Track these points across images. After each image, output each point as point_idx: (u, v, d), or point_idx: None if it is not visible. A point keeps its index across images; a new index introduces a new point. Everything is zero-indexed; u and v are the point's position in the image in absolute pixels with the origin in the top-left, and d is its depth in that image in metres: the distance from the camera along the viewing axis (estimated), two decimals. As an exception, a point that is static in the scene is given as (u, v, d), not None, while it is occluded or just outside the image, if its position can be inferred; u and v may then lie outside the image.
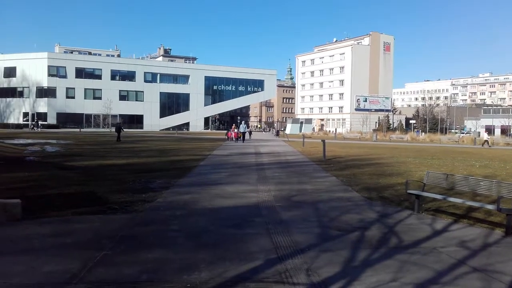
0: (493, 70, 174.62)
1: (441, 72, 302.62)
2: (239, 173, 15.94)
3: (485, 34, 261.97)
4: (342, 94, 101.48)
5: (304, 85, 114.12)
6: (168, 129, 76.12)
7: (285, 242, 6.76)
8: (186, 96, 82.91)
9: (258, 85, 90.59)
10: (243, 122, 45.22)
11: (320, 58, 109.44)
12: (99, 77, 76.15)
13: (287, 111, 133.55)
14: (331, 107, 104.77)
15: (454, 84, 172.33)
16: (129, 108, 76.90)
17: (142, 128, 75.77)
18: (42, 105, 72.10)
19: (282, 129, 78.98)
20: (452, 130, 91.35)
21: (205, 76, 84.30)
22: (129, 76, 78.81)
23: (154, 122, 77.95)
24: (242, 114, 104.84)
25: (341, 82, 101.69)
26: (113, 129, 43.63)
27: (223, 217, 8.48)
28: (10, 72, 73.00)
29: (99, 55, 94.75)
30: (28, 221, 7.66)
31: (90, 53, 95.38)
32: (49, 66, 72.29)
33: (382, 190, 12.15)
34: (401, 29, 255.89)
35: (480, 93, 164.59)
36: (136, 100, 78.51)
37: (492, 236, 7.46)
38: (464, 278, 5.37)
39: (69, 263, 5.52)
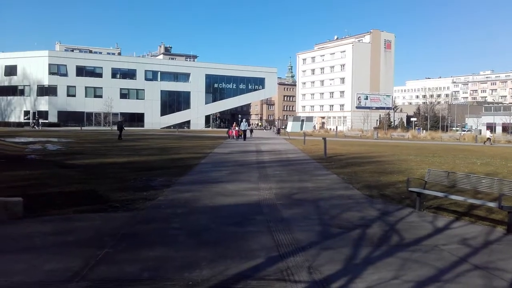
0: (494, 68, 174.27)
1: (442, 70, 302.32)
2: (240, 171, 15.94)
3: (486, 31, 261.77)
4: (343, 92, 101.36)
5: (305, 83, 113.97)
6: (169, 127, 76.09)
7: (286, 240, 6.76)
8: (187, 94, 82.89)
9: (259, 83, 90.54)
10: (244, 120, 45.09)
11: (321, 56, 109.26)
12: (100, 75, 76.11)
13: (288, 109, 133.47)
14: (332, 105, 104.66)
15: (455, 82, 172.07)
16: (130, 106, 76.90)
17: (143, 126, 75.75)
18: (43, 104, 72.13)
19: (283, 127, 78.95)
20: (453, 128, 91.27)
21: (205, 74, 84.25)
22: (129, 74, 78.77)
23: (155, 120, 77.94)
24: (243, 112, 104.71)
25: (342, 80, 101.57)
26: (114, 127, 43.62)
27: (224, 215, 8.49)
28: (11, 70, 73.04)
29: (100, 53, 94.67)
30: (30, 219, 7.67)
31: (90, 51, 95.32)
32: (50, 64, 72.26)
33: (383, 188, 12.15)
34: (402, 27, 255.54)
35: (481, 90, 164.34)
36: (137, 98, 78.50)
37: (493, 234, 7.46)
38: (465, 276, 5.37)
39: (71, 261, 5.53)
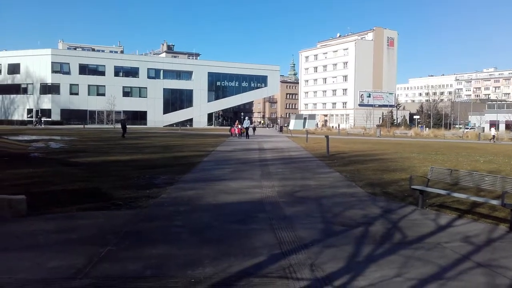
0: (498, 65, 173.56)
1: (445, 67, 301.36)
2: (243, 169, 15.95)
3: (489, 29, 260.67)
4: (345, 89, 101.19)
5: (307, 80, 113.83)
6: (171, 125, 76.16)
7: (289, 238, 6.77)
8: (190, 92, 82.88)
9: (261, 81, 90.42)
10: (246, 118, 45.07)
11: (324, 53, 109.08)
12: (102, 73, 76.17)
13: (290, 107, 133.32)
14: (335, 103, 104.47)
15: (458, 79, 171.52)
16: (133, 104, 76.93)
17: (145, 124, 75.80)
18: (46, 102, 72.25)
19: (285, 125, 78.86)
20: (456, 126, 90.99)
21: (208, 72, 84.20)
22: (132, 72, 78.81)
23: (158, 118, 78.00)
24: (245, 110, 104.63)
25: (345, 77, 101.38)
26: (117, 125, 43.66)
27: (227, 213, 8.50)
28: (14, 68, 73.17)
29: (103, 51, 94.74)
30: (33, 217, 7.70)
31: (93, 50, 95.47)
32: (52, 63, 72.35)
33: (386, 185, 12.14)
34: (405, 24, 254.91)
35: (485, 88, 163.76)
36: (140, 96, 78.52)
37: (496, 232, 7.45)
38: (468, 274, 5.37)
39: (74, 259, 5.55)
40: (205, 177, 13.37)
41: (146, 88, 78.85)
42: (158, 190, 10.63)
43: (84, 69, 74.93)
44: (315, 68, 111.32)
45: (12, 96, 73.55)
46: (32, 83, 72.60)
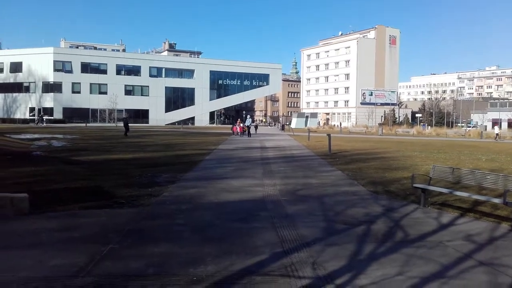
0: (500, 63, 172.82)
1: (447, 66, 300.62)
2: (245, 167, 15.95)
3: (492, 27, 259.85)
4: (347, 88, 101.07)
5: (309, 79, 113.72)
6: (173, 123, 76.21)
7: (291, 236, 6.77)
8: (191, 91, 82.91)
9: (263, 79, 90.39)
10: (248, 116, 45.06)
11: (326, 51, 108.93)
12: (104, 72, 76.27)
13: (292, 105, 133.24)
14: (337, 101, 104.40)
15: (460, 78, 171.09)
16: (135, 102, 77.02)
17: (147, 122, 75.86)
18: (48, 100, 72.38)
19: (287, 123, 78.82)
20: (459, 124, 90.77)
21: (210, 71, 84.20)
22: (134, 70, 78.87)
23: (160, 117, 78.06)
24: (247, 108, 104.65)
25: (347, 76, 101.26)
26: (119, 124, 43.67)
27: (228, 211, 8.51)
28: (16, 67, 73.26)
29: (105, 50, 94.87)
30: (35, 215, 7.72)
31: (95, 48, 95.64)
32: (54, 61, 72.47)
33: (388, 184, 12.13)
34: (407, 23, 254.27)
35: (487, 86, 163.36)
36: (142, 95, 78.58)
37: (498, 230, 7.44)
38: (470, 272, 5.36)
39: (76, 257, 5.56)
40: (207, 175, 13.39)
41: (148, 86, 78.92)
42: (160, 189, 10.65)
43: (86, 68, 75.03)
44: (317, 66, 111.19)
45: (14, 94, 73.69)
46: (34, 82, 72.72)
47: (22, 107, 73.30)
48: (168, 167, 14.93)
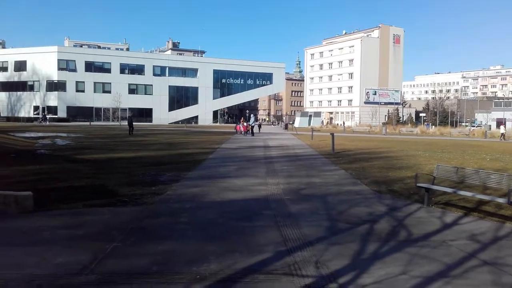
0: (505, 63, 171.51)
1: (451, 65, 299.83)
2: (248, 166, 15.96)
3: (496, 26, 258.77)
4: (351, 87, 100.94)
5: (313, 78, 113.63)
6: (177, 122, 76.29)
7: (294, 235, 6.77)
8: (195, 90, 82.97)
9: (266, 78, 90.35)
10: (252, 115, 45.03)
11: (329, 51, 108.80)
12: (108, 70, 76.41)
13: (295, 104, 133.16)
14: (340, 100, 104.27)
15: (464, 77, 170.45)
16: (138, 101, 77.14)
17: (151, 121, 75.95)
18: (53, 99, 72.59)
19: (290, 122, 78.81)
20: (463, 123, 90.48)
21: (213, 70, 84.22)
22: (138, 69, 78.99)
23: (163, 116, 78.13)
24: (250, 107, 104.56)
25: (350, 75, 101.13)
26: (123, 123, 43.75)
27: (232, 210, 8.52)
28: (20, 65, 73.51)
29: (108, 49, 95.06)
30: (40, 213, 7.76)
31: (99, 47, 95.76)
32: (59, 60, 72.65)
33: (391, 183, 12.11)
34: (411, 22, 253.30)
35: (491, 85, 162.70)
36: (145, 94, 78.69)
37: (502, 230, 7.42)
38: (474, 271, 5.35)
39: (80, 255, 5.59)
40: (210, 174, 13.40)
41: (151, 85, 79.02)
42: (163, 187, 10.67)
43: (90, 67, 75.19)
44: (321, 65, 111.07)
45: (18, 93, 73.96)
46: (39, 80, 72.92)
47: (27, 105, 73.53)
48: (172, 165, 14.96)
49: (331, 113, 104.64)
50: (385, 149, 25.45)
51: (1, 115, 73.82)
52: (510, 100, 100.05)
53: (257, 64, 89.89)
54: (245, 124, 42.89)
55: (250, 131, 40.38)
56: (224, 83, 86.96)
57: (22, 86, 73.99)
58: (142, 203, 8.86)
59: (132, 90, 77.70)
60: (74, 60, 73.93)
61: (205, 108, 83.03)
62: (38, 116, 67.63)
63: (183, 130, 49.59)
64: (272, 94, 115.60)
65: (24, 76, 73.61)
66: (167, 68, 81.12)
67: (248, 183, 11.75)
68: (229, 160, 17.87)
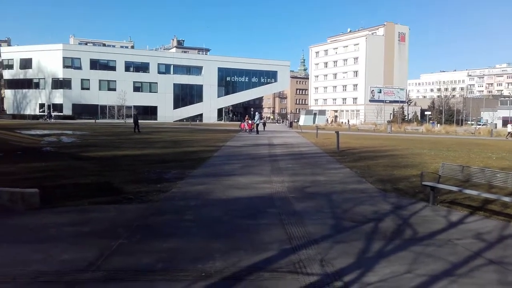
0: (511, 61, 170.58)
1: (457, 63, 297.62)
2: (253, 164, 15.97)
3: (502, 24, 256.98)
4: (356, 85, 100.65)
5: (317, 76, 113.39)
6: (181, 120, 76.35)
7: (299, 233, 6.78)
8: (200, 88, 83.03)
9: (271, 76, 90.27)
10: (257, 113, 44.98)
11: (334, 49, 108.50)
12: (113, 68, 76.58)
13: (300, 103, 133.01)
14: (345, 98, 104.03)
15: (470, 75, 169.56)
16: (143, 99, 77.30)
17: (156, 119, 76.10)
18: (58, 96, 72.89)
19: (295, 120, 78.71)
20: (468, 122, 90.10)
21: (218, 67, 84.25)
22: (143, 67, 79.13)
23: (168, 114, 78.26)
24: (255, 105, 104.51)
25: (355, 73, 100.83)
26: (128, 120, 43.81)
27: (237, 208, 8.53)
28: (26, 63, 73.85)
29: (113, 46, 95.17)
30: (46, 210, 7.81)
31: (104, 45, 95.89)
32: (64, 58, 72.88)
33: (396, 181, 12.08)
34: (416, 19, 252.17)
35: (497, 84, 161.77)
36: (150, 92, 78.85)
37: (508, 229, 7.39)
38: (480, 270, 5.34)
39: (86, 252, 5.62)
40: (215, 172, 13.42)
41: (156, 83, 79.15)
42: (168, 185, 10.70)
43: (95, 64, 75.39)
44: (326, 63, 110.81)
45: (24, 90, 74.32)
46: (44, 78, 73.24)
47: (32, 103, 73.88)
48: (177, 163, 14.99)
49: (336, 111, 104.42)
50: (390, 147, 25.38)
51: (7, 112, 74.27)
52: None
53: (262, 62, 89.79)
54: (249, 122, 42.88)
55: (255, 129, 40.38)
56: (228, 81, 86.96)
57: (27, 83, 74.35)
58: (147, 201, 8.89)
59: (137, 88, 77.88)
60: (79, 58, 74.17)
61: (209, 106, 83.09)
62: (44, 113, 67.95)
63: (188, 128, 49.66)
64: (276, 92, 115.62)
65: (29, 73, 73.95)
66: (172, 66, 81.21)
67: (253, 181, 11.76)
68: (234, 158, 17.89)
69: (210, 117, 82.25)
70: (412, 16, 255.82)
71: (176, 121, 75.44)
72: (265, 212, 8.20)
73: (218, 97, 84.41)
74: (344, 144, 24.70)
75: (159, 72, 79.73)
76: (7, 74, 76.10)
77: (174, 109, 79.90)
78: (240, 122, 48.79)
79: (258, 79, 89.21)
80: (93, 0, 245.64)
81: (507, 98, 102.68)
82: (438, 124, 73.09)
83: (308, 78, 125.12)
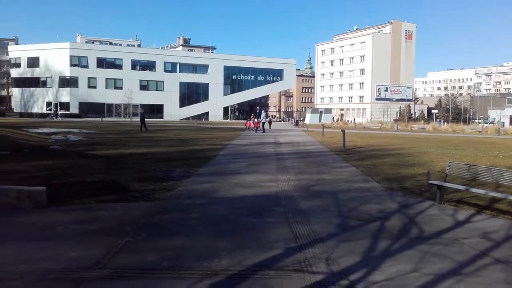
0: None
1: (464, 61, 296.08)
2: (259, 162, 15.97)
3: (510, 22, 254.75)
4: (362, 83, 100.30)
5: (323, 74, 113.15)
6: (187, 118, 76.56)
7: (305, 231, 6.77)
8: (206, 86, 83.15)
9: (277, 74, 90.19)
10: (263, 111, 44.96)
11: (340, 47, 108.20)
12: (120, 67, 76.87)
13: (306, 101, 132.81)
14: (351, 97, 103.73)
15: (477, 73, 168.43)
16: (150, 97, 77.53)
17: (162, 117, 76.33)
18: (65, 95, 73.31)
19: (301, 119, 78.60)
20: (476, 120, 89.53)
21: (224, 66, 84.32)
22: (149, 66, 79.37)
23: (174, 112, 78.47)
24: (261, 103, 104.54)
25: (362, 71, 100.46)
26: (135, 119, 43.93)
27: (242, 206, 8.54)
28: (33, 62, 74.36)
29: (120, 45, 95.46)
30: (53, 208, 7.86)
31: (110, 43, 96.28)
32: (71, 56, 73.29)
33: (403, 180, 12.03)
34: (423, 17, 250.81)
35: (505, 82, 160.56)
36: (156, 90, 79.09)
37: (516, 228, 7.33)
38: (486, 270, 5.31)
39: (93, 249, 5.66)
40: (220, 170, 13.44)
41: (162, 81, 79.37)
42: (174, 183, 10.73)
43: (102, 63, 75.72)
44: (332, 61, 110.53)
45: (31, 89, 74.83)
46: (51, 76, 73.70)
47: (39, 101, 74.37)
48: (183, 161, 15.03)
49: (342, 109, 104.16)
50: (396, 146, 25.28)
51: (15, 110, 74.83)
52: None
53: (268, 60, 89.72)
54: (255, 120, 42.88)
55: (261, 128, 40.36)
56: (234, 79, 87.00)
57: (35, 82, 74.86)
58: (154, 199, 8.92)
59: (143, 86, 78.13)
60: (86, 56, 74.52)
61: (215, 105, 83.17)
62: (50, 112, 68.36)
63: (194, 126, 49.75)
64: (282, 91, 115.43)
65: (37, 72, 74.44)
66: (178, 64, 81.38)
67: (259, 180, 11.76)
68: (240, 157, 17.90)
69: (216, 116, 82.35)
70: (419, 14, 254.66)
71: (182, 119, 75.62)
72: (271, 211, 8.20)
73: (224, 95, 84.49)
74: (350, 142, 24.63)
75: (165, 71, 79.94)
76: (14, 73, 76.69)
77: (180, 107, 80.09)
78: (246, 121, 48.76)
79: (264, 78, 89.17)
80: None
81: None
82: (445, 123, 72.68)
83: (314, 77, 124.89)
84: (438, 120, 78.05)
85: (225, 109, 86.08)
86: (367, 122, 72.27)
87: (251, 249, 5.85)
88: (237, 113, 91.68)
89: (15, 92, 77.70)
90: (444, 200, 9.29)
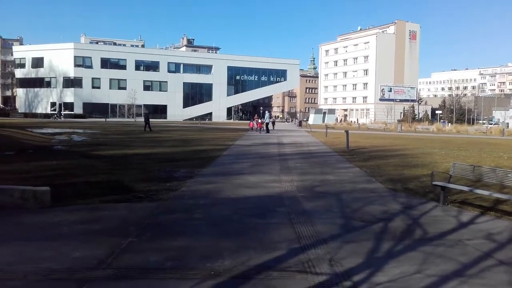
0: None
1: (468, 61, 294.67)
2: (262, 163, 15.97)
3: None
4: (366, 84, 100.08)
5: (327, 74, 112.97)
6: (191, 119, 76.58)
7: (308, 232, 6.77)
8: (209, 86, 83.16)
9: (281, 75, 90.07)
10: (267, 112, 44.95)
11: (344, 47, 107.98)
12: (123, 67, 76.95)
13: (310, 101, 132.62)
14: (355, 97, 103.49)
15: (482, 74, 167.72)
16: (153, 98, 77.56)
17: (165, 118, 76.36)
18: (69, 95, 73.47)
19: (305, 119, 78.51)
20: (480, 121, 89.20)
21: (227, 66, 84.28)
22: (153, 66, 79.42)
23: (178, 112, 78.51)
24: (264, 104, 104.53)
25: (365, 71, 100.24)
26: (139, 119, 44.02)
27: (246, 207, 8.54)
28: (37, 62, 74.56)
29: (124, 45, 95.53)
30: (57, 208, 7.89)
31: (114, 44, 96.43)
32: (75, 57, 73.41)
33: (406, 181, 12.01)
34: (427, 17, 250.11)
35: (509, 82, 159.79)
36: (160, 90, 79.12)
37: (520, 229, 7.31)
38: (490, 271, 5.29)
39: (97, 249, 5.68)
40: (224, 171, 13.45)
41: (166, 82, 79.41)
42: (178, 183, 10.75)
43: (106, 63, 75.81)
44: (335, 62, 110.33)
45: (36, 89, 75.02)
46: (55, 77, 73.86)
47: (44, 101, 74.56)
48: (186, 162, 15.05)
49: (345, 110, 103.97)
50: (400, 146, 25.23)
51: (19, 111, 75.10)
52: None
53: (272, 60, 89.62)
54: (259, 121, 42.87)
55: (264, 128, 40.35)
56: (238, 79, 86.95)
57: (39, 82, 75.04)
58: (157, 199, 8.95)
59: (147, 86, 78.19)
60: (90, 57, 74.65)
61: (219, 105, 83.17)
62: (54, 112, 68.55)
63: (197, 126, 49.82)
64: (286, 91, 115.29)
65: (41, 72, 74.61)
66: (182, 65, 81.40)
67: (262, 180, 11.77)
68: (243, 157, 17.91)
69: (220, 116, 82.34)
70: (423, 14, 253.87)
71: (186, 120, 75.66)
72: (274, 211, 8.20)
73: (227, 96, 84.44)
74: (354, 143, 24.60)
75: (169, 71, 79.98)
76: (19, 73, 76.92)
77: (183, 108, 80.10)
78: (249, 121, 48.77)
79: (267, 78, 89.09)
80: (104, 0, 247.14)
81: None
82: (449, 123, 72.49)
83: (317, 77, 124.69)
84: (442, 120, 77.86)
85: (229, 110, 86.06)
86: (371, 123, 72.14)
87: (255, 249, 5.85)
88: (240, 114, 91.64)
89: (20, 92, 77.94)
90: (448, 201, 9.27)
